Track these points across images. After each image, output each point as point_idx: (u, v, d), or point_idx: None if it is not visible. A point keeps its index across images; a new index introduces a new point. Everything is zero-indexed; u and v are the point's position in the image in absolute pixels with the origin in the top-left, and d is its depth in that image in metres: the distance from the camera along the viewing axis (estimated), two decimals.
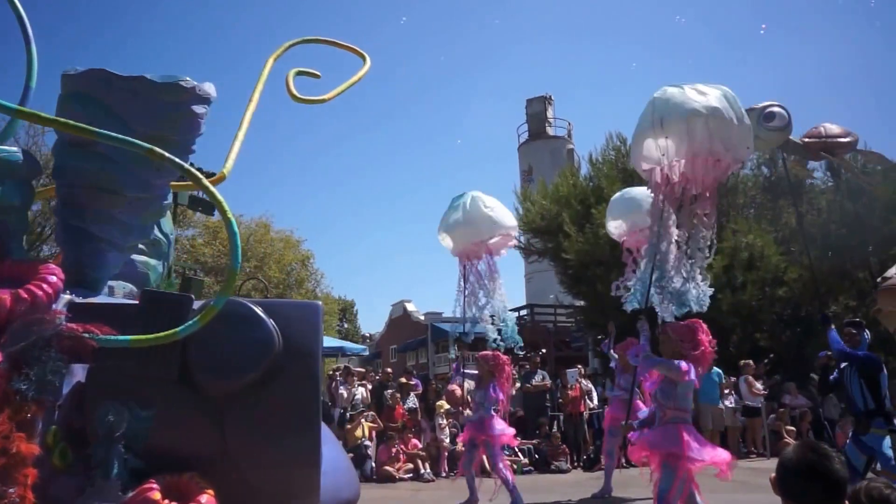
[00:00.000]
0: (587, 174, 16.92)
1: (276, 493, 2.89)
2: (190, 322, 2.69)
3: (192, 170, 2.99)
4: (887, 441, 4.86)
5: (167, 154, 2.79)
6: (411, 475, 9.46)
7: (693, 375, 4.19)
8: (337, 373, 11.28)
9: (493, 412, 6.65)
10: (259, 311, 2.91)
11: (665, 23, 68.51)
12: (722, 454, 4.29)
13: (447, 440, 10.04)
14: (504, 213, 7.43)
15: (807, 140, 5.77)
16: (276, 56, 4.21)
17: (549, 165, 25.73)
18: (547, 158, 28.14)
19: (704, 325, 4.36)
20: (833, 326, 5.32)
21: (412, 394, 10.65)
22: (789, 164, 6.61)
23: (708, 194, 4.85)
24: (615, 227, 7.37)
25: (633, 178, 15.35)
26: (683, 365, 4.12)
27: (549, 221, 15.28)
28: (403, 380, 10.94)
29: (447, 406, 10.48)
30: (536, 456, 10.32)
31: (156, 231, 3.93)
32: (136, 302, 3.06)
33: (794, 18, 59.30)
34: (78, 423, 2.72)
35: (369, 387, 11.06)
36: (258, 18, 66.67)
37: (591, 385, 11.62)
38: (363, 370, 12.63)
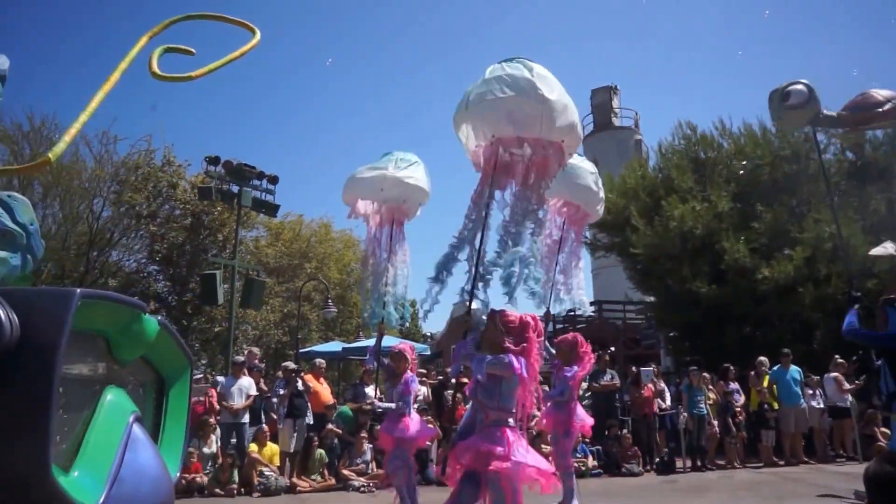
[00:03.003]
0: (656, 165, 16.28)
1: None
2: None
3: None
4: None
5: None
6: None
7: (523, 372, 3.66)
8: None
9: (411, 410, 5.74)
10: None
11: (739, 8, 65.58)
12: (545, 465, 3.70)
13: None
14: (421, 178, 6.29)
15: (842, 113, 5.46)
16: (153, 33, 3.83)
17: (615, 157, 24.98)
18: (613, 150, 27.37)
19: (539, 323, 3.88)
20: (856, 308, 4.74)
21: None
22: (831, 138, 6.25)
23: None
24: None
25: (704, 167, 14.71)
26: (515, 362, 3.63)
27: (615, 215, 14.75)
28: (465, 380, 10.72)
29: None
30: (606, 458, 9.93)
31: (7, 222, 3.73)
32: None
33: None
34: None
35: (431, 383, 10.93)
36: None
37: (664, 385, 11.16)
38: (424, 371, 12.53)
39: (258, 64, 64.85)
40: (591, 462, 9.69)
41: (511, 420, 3.67)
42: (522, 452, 3.55)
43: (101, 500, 2.77)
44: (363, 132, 72.26)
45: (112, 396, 3.10)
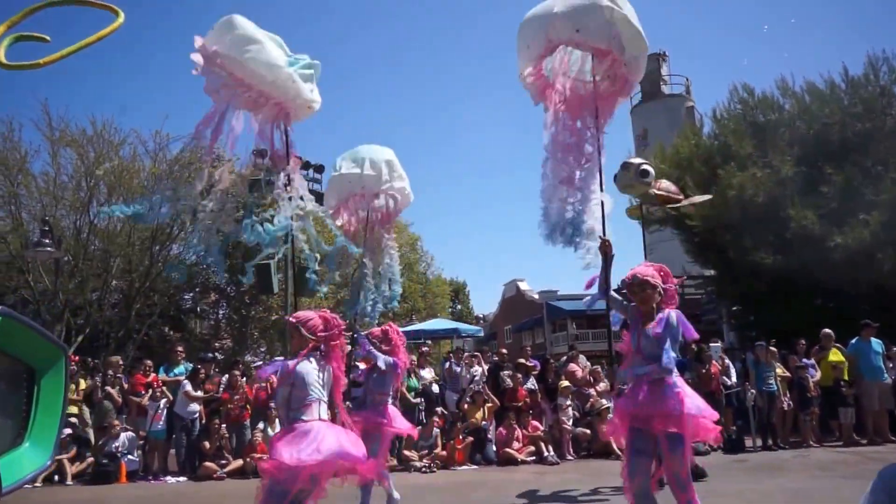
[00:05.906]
0: (711, 132, 15.57)
1: None
2: None
3: None
4: None
5: None
6: (534, 458, 9.19)
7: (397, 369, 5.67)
8: (452, 356, 11.24)
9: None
10: None
11: None
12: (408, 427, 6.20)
13: (570, 421, 9.70)
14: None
15: (658, 192, 7.72)
16: (11, 22, 3.66)
17: (666, 127, 24.20)
18: (663, 119, 26.54)
19: (395, 328, 5.87)
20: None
21: (531, 375, 10.31)
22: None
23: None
24: None
25: (764, 131, 13.94)
26: (391, 360, 5.51)
27: None
28: (521, 360, 10.60)
29: (568, 384, 10.07)
30: None
31: None
32: None
33: None
34: None
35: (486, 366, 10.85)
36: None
37: (729, 361, 10.71)
38: (476, 354, 12.45)
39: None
40: None
41: (388, 399, 5.73)
42: (398, 420, 5.80)
43: None
44: (406, 119, 72.38)
45: None
